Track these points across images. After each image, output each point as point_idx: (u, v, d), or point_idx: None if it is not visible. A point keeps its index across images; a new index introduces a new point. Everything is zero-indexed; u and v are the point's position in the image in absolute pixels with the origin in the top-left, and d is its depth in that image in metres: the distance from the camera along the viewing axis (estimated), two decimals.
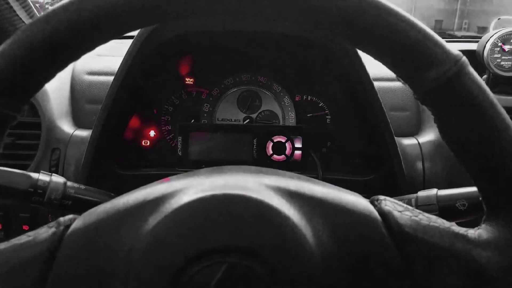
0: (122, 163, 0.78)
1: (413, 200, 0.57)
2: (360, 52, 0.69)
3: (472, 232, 0.29)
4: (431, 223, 0.29)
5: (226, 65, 0.82)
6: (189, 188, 0.28)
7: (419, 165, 0.76)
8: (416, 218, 0.29)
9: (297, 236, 0.27)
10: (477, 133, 0.28)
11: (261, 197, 0.27)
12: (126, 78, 0.65)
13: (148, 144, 0.83)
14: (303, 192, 0.29)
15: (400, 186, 0.72)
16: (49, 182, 0.52)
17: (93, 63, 0.89)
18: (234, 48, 0.78)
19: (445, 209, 0.54)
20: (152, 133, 0.83)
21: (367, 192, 0.77)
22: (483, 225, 0.30)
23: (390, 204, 0.30)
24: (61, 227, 0.28)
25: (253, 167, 0.33)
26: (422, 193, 0.56)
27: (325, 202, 0.29)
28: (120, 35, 0.29)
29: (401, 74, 0.31)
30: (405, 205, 0.31)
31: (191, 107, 0.83)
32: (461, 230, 0.29)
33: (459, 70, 0.28)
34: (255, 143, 0.75)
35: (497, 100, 0.29)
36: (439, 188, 0.56)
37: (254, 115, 0.84)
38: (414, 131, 0.83)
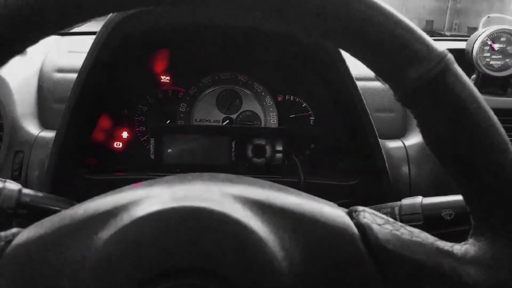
0: (92, 167, 0.73)
1: (396, 209, 0.53)
2: (343, 51, 0.65)
3: (458, 248, 0.27)
4: (414, 238, 0.27)
5: (204, 63, 0.78)
6: (144, 200, 0.25)
7: (405, 169, 0.73)
8: (397, 232, 0.27)
9: (264, 253, 0.24)
10: (463, 139, 0.26)
11: (225, 209, 0.25)
12: (91, 75, 0.60)
13: (120, 146, 0.78)
14: (273, 203, 0.27)
15: (385, 191, 0.69)
16: (1, 189, 0.48)
17: (63, 60, 0.84)
18: (212, 44, 0.74)
19: (430, 218, 0.51)
20: (125, 134, 0.78)
21: (351, 197, 0.74)
22: (470, 240, 0.28)
23: (369, 216, 0.28)
24: (1, 243, 0.25)
25: (222, 175, 0.30)
26: (406, 201, 0.53)
27: (297, 214, 0.26)
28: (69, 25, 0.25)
29: (380, 73, 0.28)
30: (385, 218, 0.28)
31: (167, 107, 0.79)
32: (446, 245, 0.27)
33: (444, 69, 0.26)
34: (233, 146, 0.71)
35: (485, 102, 0.27)
36: (426, 193, 0.53)
37: (234, 116, 0.80)
38: (400, 134, 0.79)
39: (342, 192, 0.72)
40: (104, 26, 0.58)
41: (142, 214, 0.24)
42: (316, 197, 0.29)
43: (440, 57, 0.26)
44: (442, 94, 0.26)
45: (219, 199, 0.26)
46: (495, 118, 0.27)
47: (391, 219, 0.28)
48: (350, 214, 0.28)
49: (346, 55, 0.65)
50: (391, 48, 0.26)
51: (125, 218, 0.24)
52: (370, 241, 0.26)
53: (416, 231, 0.28)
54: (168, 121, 0.78)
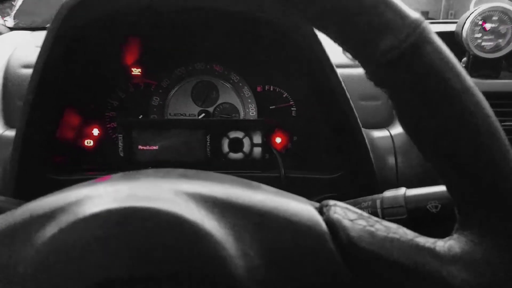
0: (63, 167, 0.69)
1: (378, 202, 0.49)
2: (321, 36, 0.61)
3: (441, 245, 0.25)
4: (390, 234, 0.25)
5: (176, 53, 0.73)
6: (85, 201, 0.23)
7: (391, 159, 0.68)
8: (372, 229, 0.25)
9: (220, 257, 0.22)
10: (443, 120, 0.23)
11: (174, 209, 0.22)
12: (47, 69, 0.56)
13: (91, 144, 0.74)
14: (232, 200, 0.24)
15: (369, 184, 0.64)
16: None
17: (31, 55, 0.79)
18: (182, 31, 0.69)
19: (414, 212, 0.47)
20: (95, 131, 0.74)
21: (335, 191, 0.70)
22: (455, 235, 0.26)
23: (340, 211, 0.25)
24: None
25: (179, 170, 0.28)
26: (388, 193, 0.49)
27: (259, 212, 0.24)
28: None
29: (348, 47, 0.26)
30: (359, 212, 0.26)
31: (139, 101, 0.75)
32: (428, 242, 0.25)
33: (420, 38, 0.23)
34: (208, 140, 0.67)
35: (469, 77, 0.23)
36: (415, 185, 0.49)
37: (211, 109, 0.75)
38: (386, 122, 0.75)
39: (325, 185, 0.68)
40: (56, 16, 0.53)
41: (80, 217, 0.22)
42: (285, 192, 0.27)
43: (415, 24, 0.23)
44: (418, 69, 0.23)
45: (169, 198, 0.23)
46: (481, 97, 0.23)
47: (365, 214, 0.26)
48: (320, 209, 0.26)
49: (323, 40, 0.61)
50: (359, 17, 0.23)
51: (62, 221, 0.22)
52: (340, 239, 0.24)
53: (393, 226, 0.25)
54: (141, 116, 0.74)
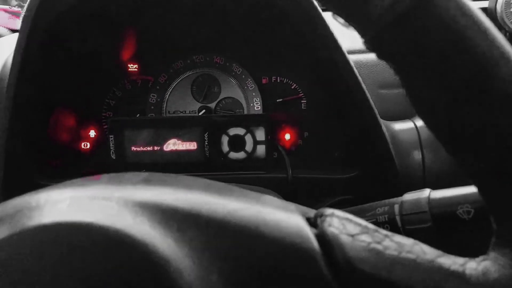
0: (59, 172, 0.65)
1: (396, 207, 0.41)
2: (328, 18, 0.53)
3: (472, 268, 0.19)
4: (403, 254, 0.19)
5: (172, 45, 0.68)
6: (24, 212, 0.20)
7: (417, 155, 0.59)
8: (378, 246, 0.20)
9: (173, 283, 0.17)
10: (470, 98, 0.19)
11: (120, 224, 0.19)
12: (26, 64, 0.51)
13: (88, 147, 0.69)
14: (198, 211, 0.20)
15: (390, 185, 0.56)
16: None
17: None
18: (179, 20, 0.63)
19: (441, 219, 0.39)
20: (92, 133, 0.69)
21: (350, 193, 0.62)
22: (491, 254, 0.20)
23: (337, 223, 0.21)
24: None
25: (144, 174, 0.24)
26: (409, 196, 0.41)
27: (231, 227, 0.20)
28: None
29: (339, 5, 0.21)
30: (363, 223, 0.21)
31: (137, 99, 0.69)
32: (455, 263, 0.20)
33: None
34: (206, 139, 0.60)
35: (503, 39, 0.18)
36: (445, 185, 0.41)
37: (212, 105, 0.69)
38: (411, 112, 0.65)
39: (339, 187, 0.59)
40: (29, 6, 0.49)
41: (12, 232, 0.19)
42: (270, 197, 0.23)
43: None
44: (432, 25, 0.18)
45: (115, 210, 0.20)
46: (508, 46, 0.18)
47: (371, 226, 0.21)
48: (313, 221, 0.21)
49: (332, 24, 0.53)
50: None
51: None
52: (336, 260, 0.19)
53: (408, 242, 0.20)
54: (138, 115, 0.69)
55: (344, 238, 0.20)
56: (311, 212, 0.23)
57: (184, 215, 0.20)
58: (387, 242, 0.20)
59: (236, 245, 0.19)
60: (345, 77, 0.53)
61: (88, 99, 0.68)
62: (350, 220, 0.21)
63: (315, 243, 0.20)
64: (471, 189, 0.38)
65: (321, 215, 0.22)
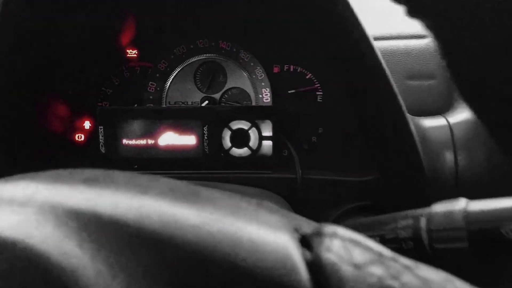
0: (48, 165, 0.60)
1: (423, 221, 0.33)
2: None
3: None
4: None
5: (174, 28, 0.61)
6: None
7: (449, 156, 0.50)
8: (395, 284, 0.14)
9: None
10: None
11: (34, 239, 0.15)
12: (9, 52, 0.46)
13: (82, 139, 0.64)
14: (147, 223, 0.16)
15: (417, 190, 0.47)
16: None
17: None
18: (179, 1, 0.57)
19: (480, 237, 0.31)
20: (87, 124, 0.64)
21: (368, 198, 0.54)
22: None
23: (339, 247, 0.16)
24: None
25: (91, 172, 0.20)
26: (439, 208, 0.33)
27: (191, 247, 0.15)
28: None
29: None
30: (376, 248, 0.16)
31: (136, 88, 0.63)
32: None
33: None
34: (206, 133, 0.53)
35: None
36: (481, 193, 0.33)
37: (217, 95, 0.62)
38: (443, 108, 0.57)
39: (356, 191, 0.52)
40: None
41: None
42: (259, 204, 0.19)
43: None
44: None
45: (29, 218, 0.16)
46: None
47: (386, 252, 0.16)
48: (306, 241, 0.17)
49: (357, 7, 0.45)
50: None
51: None
52: None
53: (438, 279, 0.15)
54: (135, 105, 0.63)
55: (346, 270, 0.15)
56: (309, 226, 0.18)
57: (121, 229, 0.15)
58: (407, 277, 0.15)
59: (190, 272, 0.15)
60: (370, 67, 0.45)
61: (83, 87, 0.62)
62: (357, 243, 0.16)
63: (304, 276, 0.15)
64: None
65: (318, 234, 0.16)
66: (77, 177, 0.21)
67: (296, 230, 0.18)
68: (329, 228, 0.17)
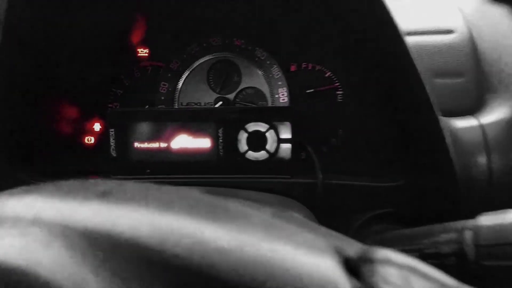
0: (61, 169, 0.58)
1: (468, 234, 0.30)
2: None
3: None
4: None
5: (186, 25, 0.58)
6: None
7: (482, 160, 0.47)
8: None
9: None
10: None
11: (45, 269, 0.13)
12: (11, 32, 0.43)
13: (92, 142, 0.62)
14: (172, 248, 0.14)
15: (448, 198, 0.44)
16: None
17: None
18: None
19: None
20: (97, 126, 0.62)
21: (393, 206, 0.50)
22: None
23: (396, 277, 0.14)
24: None
25: (112, 184, 0.18)
26: (487, 220, 0.30)
27: (221, 276, 0.13)
28: None
29: None
30: (437, 276, 0.14)
31: (147, 88, 0.61)
32: None
33: None
34: (221, 135, 0.51)
35: None
36: None
37: (231, 96, 0.60)
38: (473, 107, 0.53)
39: (381, 198, 0.48)
40: None
41: None
42: (291, 218, 0.21)
43: None
44: None
45: (33, 241, 0.14)
46: None
47: (450, 282, 0.14)
48: (354, 266, 0.15)
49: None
50: None
51: None
52: None
53: None
54: (147, 106, 0.60)
55: None
56: (352, 247, 0.16)
57: (141, 254, 0.14)
58: None
59: None
60: (402, 65, 0.42)
61: (93, 87, 0.60)
62: (416, 270, 0.14)
63: None
64: None
65: (368, 260, 0.15)
66: (90, 190, 0.19)
67: (338, 252, 0.16)
68: (380, 252, 0.15)
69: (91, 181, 0.21)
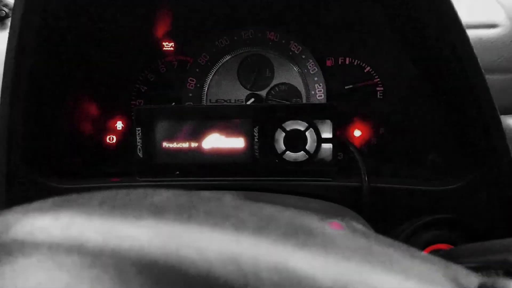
0: (78, 171, 0.54)
1: None
2: None
3: None
4: None
5: (215, 17, 0.55)
6: None
7: None
8: None
9: None
10: None
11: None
12: (22, 43, 0.40)
13: (114, 141, 0.58)
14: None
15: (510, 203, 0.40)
16: None
17: None
18: None
19: None
20: (119, 125, 0.58)
21: (448, 211, 0.46)
22: None
23: None
24: None
25: (148, 193, 0.16)
26: None
27: None
28: None
29: None
30: None
31: (173, 84, 0.57)
32: None
33: None
34: (256, 134, 0.47)
35: None
36: None
37: (263, 92, 0.56)
38: None
39: (434, 203, 0.44)
40: None
41: None
42: (384, 244, 0.15)
43: None
44: None
45: (79, 275, 0.12)
46: None
47: None
48: None
49: None
50: None
51: None
52: None
53: None
54: (173, 103, 0.57)
55: None
56: (470, 279, 0.14)
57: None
58: None
59: None
60: (461, 59, 0.38)
61: (115, 84, 0.57)
62: None
63: None
64: None
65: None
66: (140, 203, 0.15)
67: (457, 283, 0.13)
68: (502, 282, 0.13)
69: (139, 190, 0.17)
